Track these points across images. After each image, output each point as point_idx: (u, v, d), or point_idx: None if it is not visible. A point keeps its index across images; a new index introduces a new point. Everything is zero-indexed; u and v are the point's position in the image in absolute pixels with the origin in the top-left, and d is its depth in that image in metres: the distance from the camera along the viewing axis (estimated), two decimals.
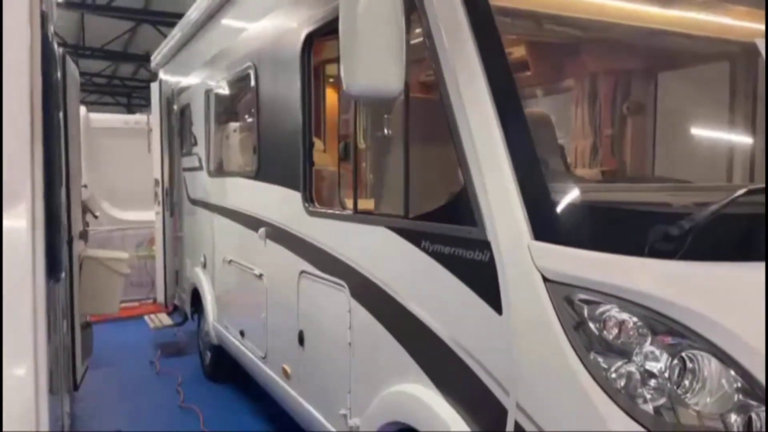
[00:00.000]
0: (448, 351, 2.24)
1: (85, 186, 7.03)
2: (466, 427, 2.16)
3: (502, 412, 1.99)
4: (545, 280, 1.86)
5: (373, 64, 2.05)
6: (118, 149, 9.38)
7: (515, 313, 1.94)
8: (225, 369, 5.61)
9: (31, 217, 1.55)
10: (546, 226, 1.91)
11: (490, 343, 2.05)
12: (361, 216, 2.87)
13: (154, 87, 6.28)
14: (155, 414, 4.99)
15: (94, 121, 9.33)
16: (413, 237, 2.44)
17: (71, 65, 3.75)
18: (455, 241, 2.20)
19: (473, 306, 2.11)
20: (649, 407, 1.71)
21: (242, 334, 4.61)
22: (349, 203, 3.01)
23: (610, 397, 1.72)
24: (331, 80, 4.11)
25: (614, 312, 1.78)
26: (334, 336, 3.10)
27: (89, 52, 15.82)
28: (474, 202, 2.07)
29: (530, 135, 1.98)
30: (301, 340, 3.53)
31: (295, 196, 3.53)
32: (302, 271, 3.48)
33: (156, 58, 7.24)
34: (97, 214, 9.21)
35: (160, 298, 6.47)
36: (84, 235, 3.91)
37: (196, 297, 5.91)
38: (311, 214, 3.38)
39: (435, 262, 2.30)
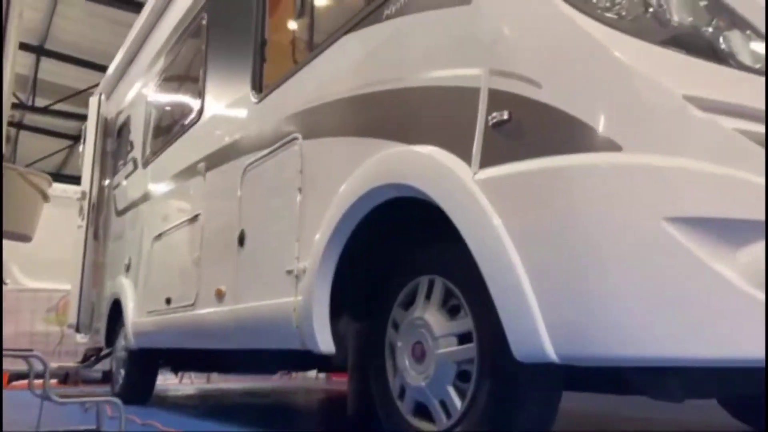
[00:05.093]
0: (419, 93, 2.10)
1: None
2: (447, 152, 1.93)
3: (473, 93, 1.82)
4: None
5: None
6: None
7: None
8: (141, 382, 4.97)
9: None
10: None
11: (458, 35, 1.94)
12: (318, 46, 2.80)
13: (93, 101, 6.14)
14: None
15: None
16: None
17: None
18: None
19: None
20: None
21: (168, 301, 4.13)
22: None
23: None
24: None
25: None
26: (283, 195, 2.83)
27: None
28: None
29: None
30: (241, 241, 3.19)
31: (243, 89, 3.41)
32: (248, 165, 3.25)
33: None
34: (7, 281, 8.56)
35: (72, 320, 5.78)
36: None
37: (114, 311, 5.33)
38: (261, 99, 3.25)
39: None
